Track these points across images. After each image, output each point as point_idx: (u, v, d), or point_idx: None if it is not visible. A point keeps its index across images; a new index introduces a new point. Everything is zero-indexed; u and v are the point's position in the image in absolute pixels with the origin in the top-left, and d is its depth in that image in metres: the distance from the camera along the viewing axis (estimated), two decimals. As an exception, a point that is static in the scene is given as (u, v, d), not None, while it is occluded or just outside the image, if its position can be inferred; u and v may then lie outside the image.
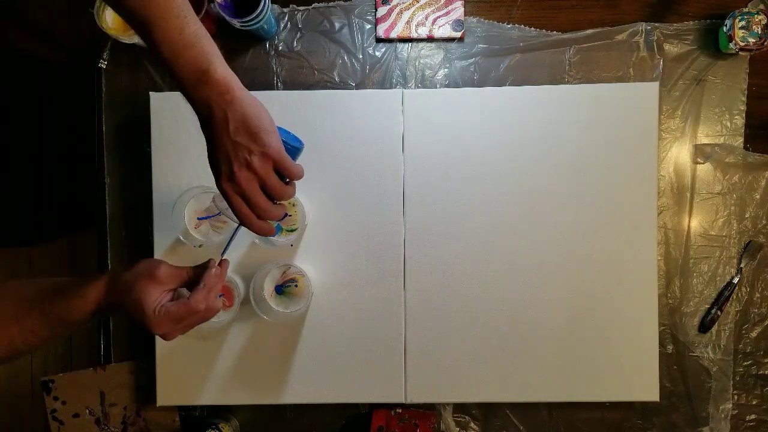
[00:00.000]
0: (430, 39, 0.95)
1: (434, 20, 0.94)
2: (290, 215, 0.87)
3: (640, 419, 0.94)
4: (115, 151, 0.97)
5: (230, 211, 0.62)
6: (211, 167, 0.62)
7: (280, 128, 0.64)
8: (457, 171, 0.90)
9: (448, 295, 0.90)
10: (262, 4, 0.85)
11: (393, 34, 0.95)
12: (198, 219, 0.87)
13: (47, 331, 0.61)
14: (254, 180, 0.60)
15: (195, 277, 0.64)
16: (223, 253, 0.67)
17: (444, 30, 0.94)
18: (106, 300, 0.62)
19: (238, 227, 0.67)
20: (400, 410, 0.91)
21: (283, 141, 0.62)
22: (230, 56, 0.96)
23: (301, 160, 0.66)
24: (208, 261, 0.65)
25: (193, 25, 0.60)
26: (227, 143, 0.59)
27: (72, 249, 1.81)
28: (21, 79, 1.12)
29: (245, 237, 0.87)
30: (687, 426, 0.94)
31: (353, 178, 0.91)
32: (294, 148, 0.65)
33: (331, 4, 0.96)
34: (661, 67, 0.94)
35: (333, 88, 0.95)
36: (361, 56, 0.96)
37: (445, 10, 0.94)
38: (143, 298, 0.60)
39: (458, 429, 0.94)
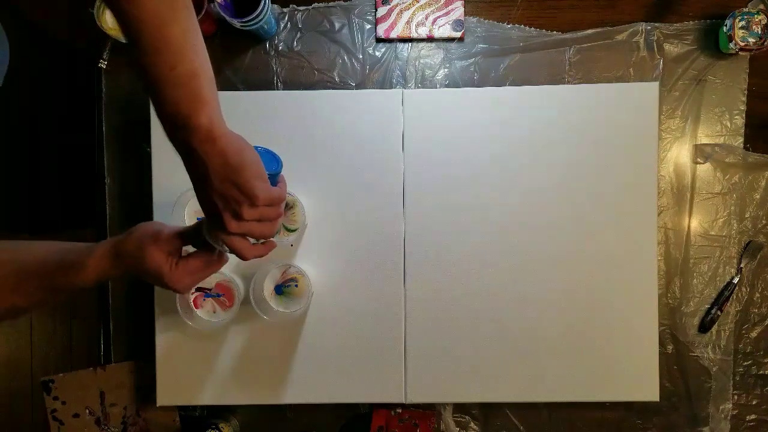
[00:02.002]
0: (430, 39, 0.95)
1: (434, 20, 0.94)
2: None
3: (640, 419, 0.94)
4: (115, 151, 0.97)
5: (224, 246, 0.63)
6: (201, 208, 0.61)
7: (256, 149, 0.61)
8: (457, 171, 0.90)
9: (448, 295, 0.90)
10: (262, 4, 0.85)
11: (393, 34, 0.95)
12: (198, 219, 0.87)
13: (50, 298, 0.63)
14: (247, 224, 0.59)
15: (194, 231, 0.64)
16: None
17: (444, 30, 0.94)
18: (110, 271, 0.62)
19: None
20: (400, 410, 0.91)
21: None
22: (230, 56, 0.96)
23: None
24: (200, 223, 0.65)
25: (189, 63, 0.55)
26: (213, 194, 0.57)
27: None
28: (20, 79, 1.12)
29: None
30: (687, 426, 0.94)
31: (353, 178, 0.91)
32: (272, 175, 0.63)
33: (331, 4, 0.96)
34: (661, 67, 0.94)
35: (333, 88, 0.95)
36: (361, 56, 0.96)
37: (445, 10, 0.94)
38: (158, 267, 0.61)
39: (458, 429, 0.94)
